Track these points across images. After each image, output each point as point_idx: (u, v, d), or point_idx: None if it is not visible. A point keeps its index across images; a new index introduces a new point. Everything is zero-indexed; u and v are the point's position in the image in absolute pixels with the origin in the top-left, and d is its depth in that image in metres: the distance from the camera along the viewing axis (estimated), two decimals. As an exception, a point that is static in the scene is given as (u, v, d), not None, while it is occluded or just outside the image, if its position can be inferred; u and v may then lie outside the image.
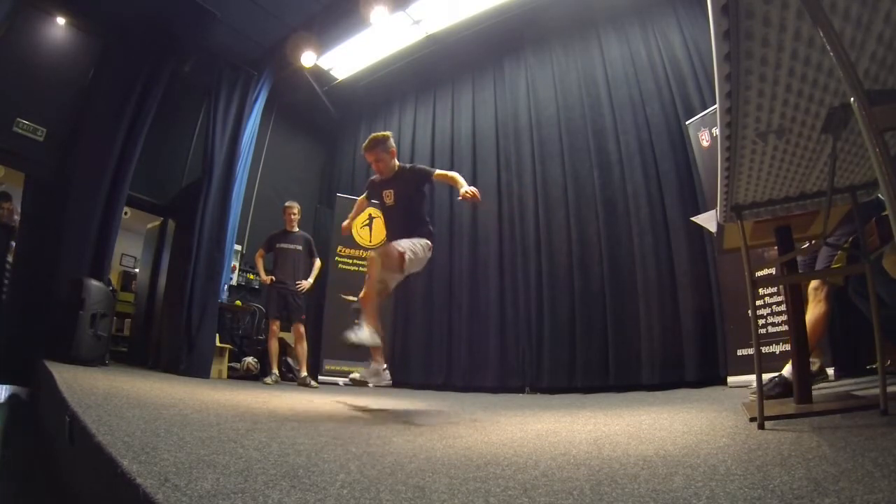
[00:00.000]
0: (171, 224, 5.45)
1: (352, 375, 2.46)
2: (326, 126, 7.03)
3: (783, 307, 2.84)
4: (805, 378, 1.69)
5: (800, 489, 0.79)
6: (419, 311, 5.22)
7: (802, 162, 1.45)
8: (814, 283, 2.15)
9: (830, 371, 2.48)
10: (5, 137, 3.89)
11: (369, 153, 2.63)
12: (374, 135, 2.66)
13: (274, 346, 4.36)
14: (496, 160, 5.15)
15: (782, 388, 1.98)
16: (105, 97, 4.26)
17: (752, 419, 1.44)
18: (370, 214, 5.33)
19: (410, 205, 2.63)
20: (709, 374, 3.41)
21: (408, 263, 2.39)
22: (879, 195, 1.54)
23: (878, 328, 1.42)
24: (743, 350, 3.09)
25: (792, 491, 0.78)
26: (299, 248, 4.56)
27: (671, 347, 3.65)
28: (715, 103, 1.41)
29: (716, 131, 2.64)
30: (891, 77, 1.09)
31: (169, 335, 4.54)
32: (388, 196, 2.63)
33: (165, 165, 5.45)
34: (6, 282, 4.15)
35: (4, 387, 3.29)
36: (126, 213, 5.23)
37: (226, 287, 5.13)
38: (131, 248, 7.72)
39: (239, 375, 4.78)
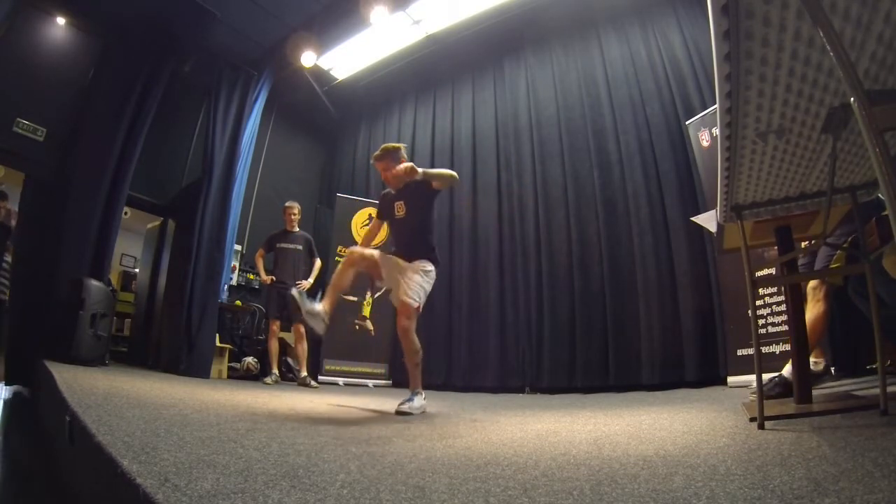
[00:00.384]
0: (171, 224, 5.45)
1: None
2: (326, 126, 7.03)
3: (783, 307, 2.84)
4: (805, 378, 1.69)
5: (800, 489, 0.79)
6: (419, 311, 5.22)
7: (802, 162, 1.45)
8: (812, 283, 2.15)
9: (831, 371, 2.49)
10: (5, 137, 3.89)
11: (379, 162, 2.61)
12: (385, 145, 2.64)
13: (274, 346, 4.36)
14: (496, 160, 5.15)
15: (782, 388, 1.98)
16: (105, 97, 4.25)
17: (752, 419, 1.44)
18: (370, 214, 5.33)
19: (421, 223, 2.58)
20: (709, 374, 3.41)
21: (421, 307, 2.44)
22: (879, 195, 1.54)
23: (878, 328, 1.42)
24: (743, 350, 3.09)
25: (792, 491, 0.78)
26: (299, 248, 4.56)
27: (671, 347, 3.66)
28: (715, 103, 1.41)
29: (716, 131, 2.64)
30: (891, 77, 1.09)
31: (169, 335, 4.53)
32: (400, 208, 2.58)
33: (165, 165, 5.45)
34: (5, 282, 4.15)
35: (5, 387, 3.29)
36: (126, 213, 5.23)
37: (226, 287, 5.13)
38: (131, 248, 7.72)
39: (239, 375, 4.78)
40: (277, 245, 4.53)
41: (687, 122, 3.78)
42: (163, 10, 4.48)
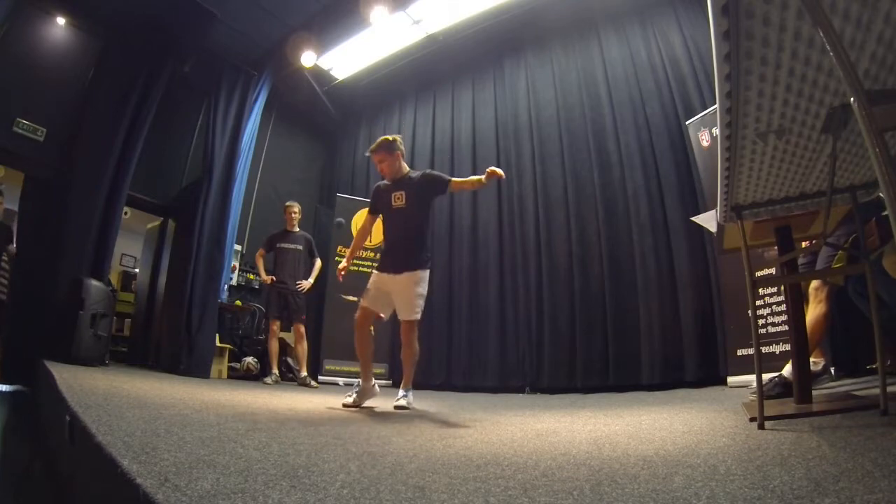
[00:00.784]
0: (171, 224, 5.45)
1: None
2: (326, 126, 7.03)
3: (783, 307, 2.84)
4: (805, 378, 1.69)
5: (800, 489, 0.79)
6: (419, 311, 5.22)
7: (802, 162, 1.45)
8: (814, 284, 2.15)
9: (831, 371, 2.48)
10: (5, 137, 3.90)
11: (375, 154, 2.66)
12: (382, 137, 2.69)
13: (274, 346, 4.36)
14: (496, 160, 5.14)
15: (782, 388, 1.99)
16: (105, 97, 4.26)
17: (752, 419, 1.44)
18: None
19: (418, 217, 2.59)
20: (709, 374, 3.41)
21: (420, 314, 2.54)
22: (879, 195, 1.54)
23: (878, 328, 1.42)
24: (743, 350, 3.09)
25: (792, 491, 0.78)
26: (300, 247, 4.56)
27: (671, 347, 3.65)
28: (715, 103, 1.41)
29: (716, 131, 2.63)
30: (891, 77, 1.09)
31: (169, 335, 4.53)
32: (398, 198, 2.58)
33: (165, 165, 5.45)
34: (4, 282, 4.15)
35: (5, 387, 3.30)
36: (126, 213, 5.23)
37: (226, 287, 5.13)
38: (131, 248, 7.71)
39: (239, 375, 4.78)
40: (278, 245, 4.53)
41: (687, 122, 3.78)
42: (163, 10, 4.48)
